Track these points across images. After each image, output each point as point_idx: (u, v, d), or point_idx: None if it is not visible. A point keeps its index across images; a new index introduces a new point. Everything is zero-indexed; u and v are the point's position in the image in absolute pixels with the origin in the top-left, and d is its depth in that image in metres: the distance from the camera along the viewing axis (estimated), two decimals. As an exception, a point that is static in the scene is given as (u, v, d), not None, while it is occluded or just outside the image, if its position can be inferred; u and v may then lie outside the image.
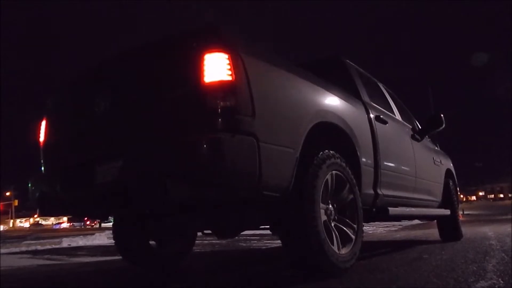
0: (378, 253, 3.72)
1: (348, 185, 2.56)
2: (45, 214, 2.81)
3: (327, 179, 2.37)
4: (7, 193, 54.16)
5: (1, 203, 51.84)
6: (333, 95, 2.68)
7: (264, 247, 5.62)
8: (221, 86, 1.87)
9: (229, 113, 1.84)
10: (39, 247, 7.86)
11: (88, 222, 43.29)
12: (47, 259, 5.37)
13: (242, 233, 3.05)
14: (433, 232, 5.65)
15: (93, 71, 2.63)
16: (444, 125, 4.41)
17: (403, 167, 3.64)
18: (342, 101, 2.79)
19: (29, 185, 2.58)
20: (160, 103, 2.07)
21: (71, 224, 51.14)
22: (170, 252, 3.39)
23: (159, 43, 2.27)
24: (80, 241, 9.04)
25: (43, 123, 2.74)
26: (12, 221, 59.39)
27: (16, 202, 52.90)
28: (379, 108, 3.51)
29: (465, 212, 24.47)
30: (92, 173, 2.21)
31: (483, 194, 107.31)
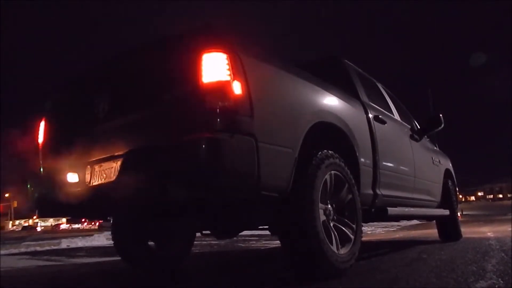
0: (378, 253, 3.71)
1: (347, 185, 2.56)
2: (44, 215, 2.81)
3: (326, 179, 2.36)
4: (6, 195, 54.01)
5: (1, 205, 51.70)
6: (331, 95, 2.68)
7: (263, 248, 5.62)
8: (220, 86, 1.86)
9: (228, 114, 1.84)
10: (38, 248, 7.86)
11: (86, 223, 43.12)
12: (47, 260, 5.36)
13: (240, 233, 3.05)
14: (432, 232, 5.65)
15: (92, 71, 2.63)
16: (443, 125, 4.41)
17: (402, 167, 3.64)
18: (341, 101, 2.79)
19: (28, 186, 2.58)
20: (159, 104, 2.07)
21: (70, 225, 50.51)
22: (169, 253, 3.38)
23: (158, 44, 2.27)
24: (79, 242, 9.04)
25: (42, 124, 2.73)
26: (11, 222, 59.31)
27: (15, 203, 52.73)
28: (377, 108, 3.51)
29: (464, 212, 24.49)
30: (91, 174, 2.21)
31: (482, 194, 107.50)
